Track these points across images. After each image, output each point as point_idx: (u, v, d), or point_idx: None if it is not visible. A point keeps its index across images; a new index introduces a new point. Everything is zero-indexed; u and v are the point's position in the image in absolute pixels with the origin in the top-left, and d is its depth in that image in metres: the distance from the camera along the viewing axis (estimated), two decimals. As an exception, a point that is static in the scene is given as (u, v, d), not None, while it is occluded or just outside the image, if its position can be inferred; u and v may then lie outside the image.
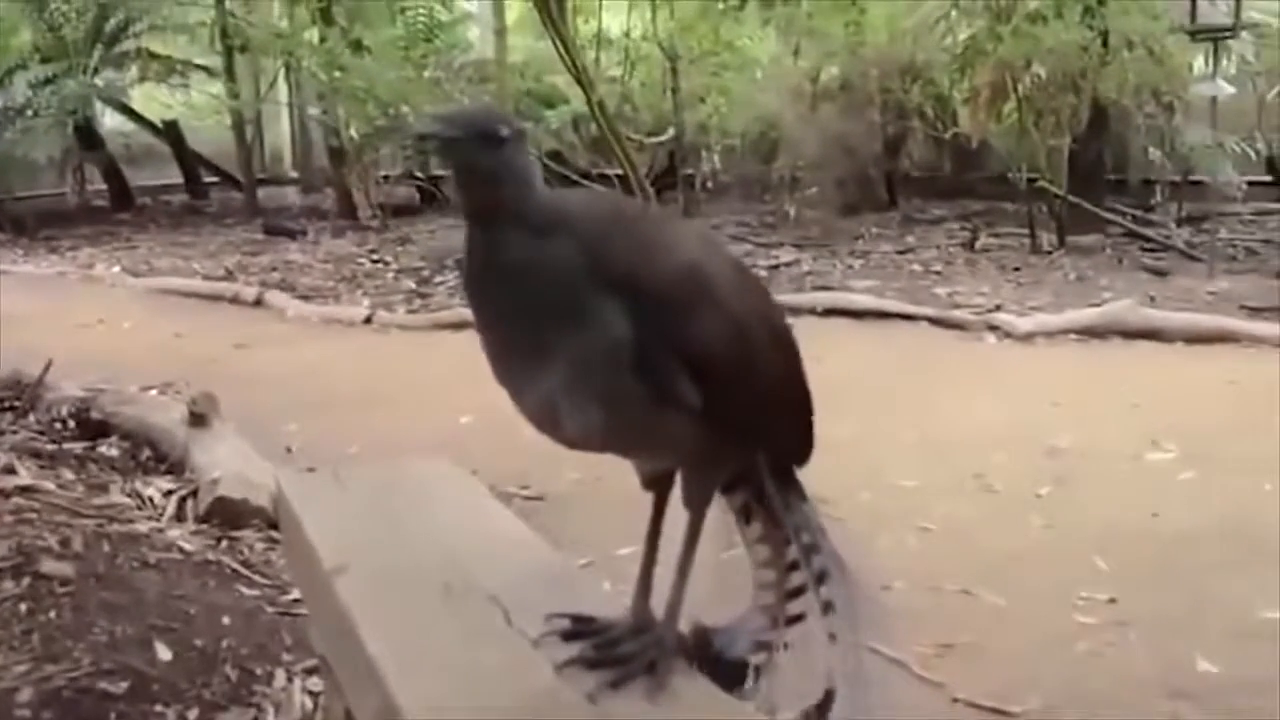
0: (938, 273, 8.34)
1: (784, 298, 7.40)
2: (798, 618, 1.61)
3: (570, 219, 1.42)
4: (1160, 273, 7.98)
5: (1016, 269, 8.36)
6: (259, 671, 2.70)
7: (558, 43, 8.21)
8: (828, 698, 1.56)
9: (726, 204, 11.12)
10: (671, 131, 10.71)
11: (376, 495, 2.16)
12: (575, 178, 9.32)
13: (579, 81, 8.24)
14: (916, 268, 8.53)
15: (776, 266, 8.70)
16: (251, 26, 12.46)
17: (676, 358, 1.44)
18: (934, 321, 6.81)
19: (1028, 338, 6.38)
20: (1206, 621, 3.13)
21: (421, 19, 11.38)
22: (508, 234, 1.40)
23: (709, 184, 11.21)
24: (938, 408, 5.18)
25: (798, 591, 1.61)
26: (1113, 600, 3.22)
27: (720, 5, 10.90)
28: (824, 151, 10.35)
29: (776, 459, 1.66)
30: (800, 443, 1.66)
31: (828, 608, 1.59)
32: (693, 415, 1.46)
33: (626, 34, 10.87)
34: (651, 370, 1.43)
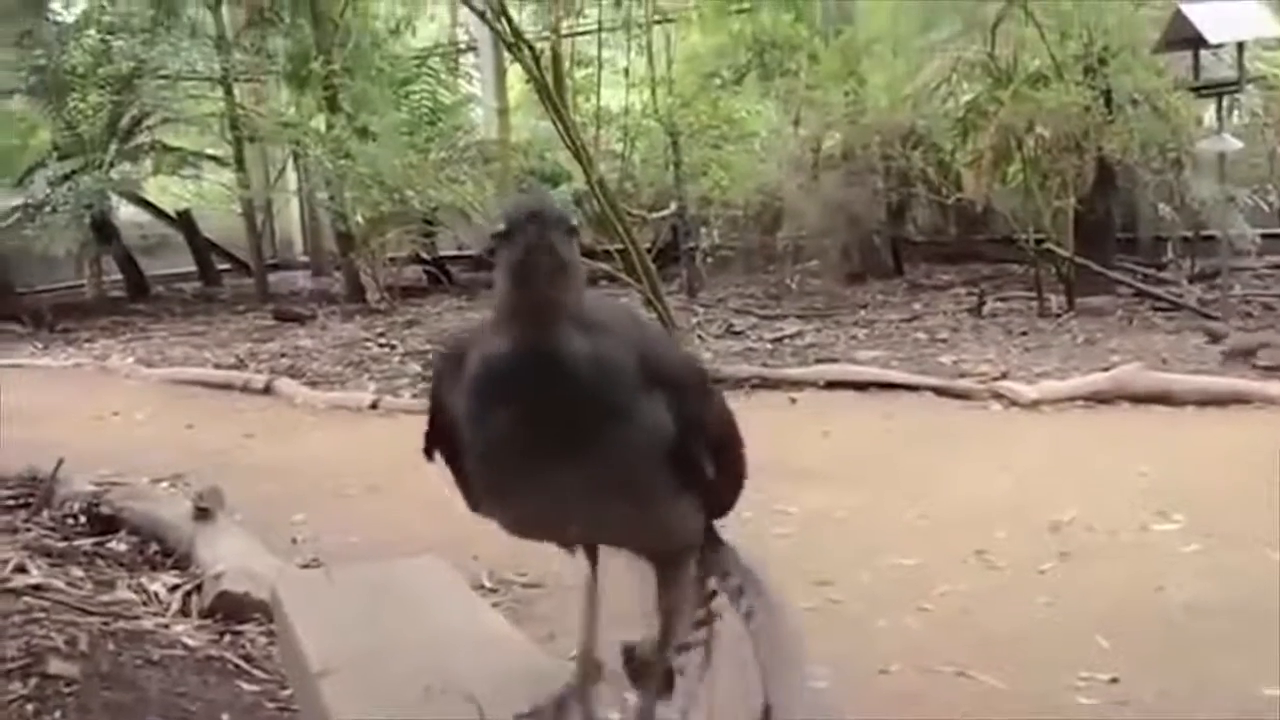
0: (944, 340, 8.35)
1: (788, 371, 7.44)
2: (709, 619, 1.69)
3: (601, 316, 1.46)
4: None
5: (1024, 333, 8.36)
6: (253, 769, 2.70)
7: (557, 122, 8.32)
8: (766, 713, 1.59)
9: (730, 276, 11.19)
10: (674, 205, 10.80)
11: (366, 595, 2.21)
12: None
13: (579, 159, 8.33)
14: (922, 335, 8.54)
15: (780, 339, 8.72)
16: (260, 116, 12.67)
17: (704, 442, 1.52)
18: (938, 391, 6.78)
19: (1033, 406, 6.33)
20: (1209, 700, 3.08)
21: (425, 103, 11.57)
22: (567, 331, 1.41)
23: (711, 257, 11.29)
24: (940, 482, 5.16)
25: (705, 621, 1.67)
26: (1114, 680, 3.18)
27: (717, 81, 11.06)
28: (827, 220, 10.44)
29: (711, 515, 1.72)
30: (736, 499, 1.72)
31: (748, 617, 1.64)
32: (696, 496, 1.54)
33: (626, 110, 10.98)
34: (685, 457, 1.48)
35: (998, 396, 6.54)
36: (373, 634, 2.06)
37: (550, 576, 4.08)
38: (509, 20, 8.31)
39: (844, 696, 3.12)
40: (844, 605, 3.77)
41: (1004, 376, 6.91)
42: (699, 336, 8.83)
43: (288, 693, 3.18)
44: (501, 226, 1.45)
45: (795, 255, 10.62)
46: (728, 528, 1.68)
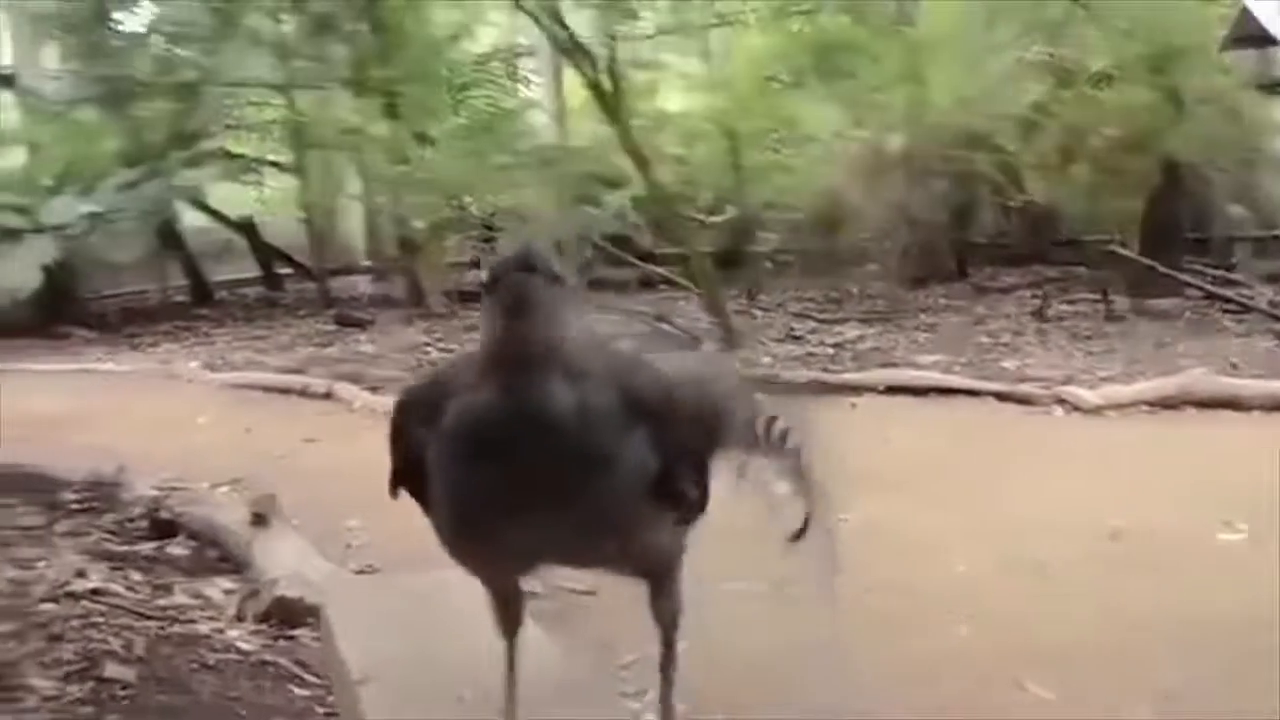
0: (1006, 344, 8.24)
1: (847, 376, 7.36)
2: None
3: (584, 356, 1.45)
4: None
5: (1089, 337, 8.24)
6: (302, 776, 2.70)
7: (615, 127, 8.32)
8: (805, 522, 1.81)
9: (791, 280, 11.12)
10: (733, 209, 10.75)
11: (412, 604, 2.23)
12: (636, 261, 9.39)
13: (637, 164, 8.33)
14: (985, 339, 8.44)
15: (841, 344, 8.64)
16: (321, 123, 12.79)
17: (690, 467, 1.57)
18: (1000, 397, 6.68)
19: (1096, 411, 6.23)
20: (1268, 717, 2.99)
21: (485, 109, 11.62)
22: (551, 382, 1.40)
23: (772, 261, 11.23)
24: (998, 488, 5.07)
25: None
26: (1171, 695, 3.09)
27: (776, 84, 11.00)
28: (889, 223, 10.34)
29: None
30: None
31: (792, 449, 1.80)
32: (681, 514, 1.60)
33: (685, 114, 10.96)
34: (670, 488, 1.53)
35: (1060, 402, 6.44)
36: (413, 643, 2.07)
37: (603, 584, 4.07)
38: (565, 27, 8.32)
39: (893, 704, 3.07)
40: (897, 614, 3.71)
41: (1067, 381, 6.80)
42: (759, 341, 8.78)
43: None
44: (486, 276, 1.45)
45: (857, 258, 10.53)
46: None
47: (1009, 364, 7.52)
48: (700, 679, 3.27)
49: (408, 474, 1.63)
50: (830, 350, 8.36)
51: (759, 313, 10.01)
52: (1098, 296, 9.01)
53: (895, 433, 6.05)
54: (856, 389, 6.98)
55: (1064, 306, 9.24)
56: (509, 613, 1.77)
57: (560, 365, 1.42)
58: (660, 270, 7.97)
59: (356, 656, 2.08)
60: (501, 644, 1.77)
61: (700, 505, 1.64)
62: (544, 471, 1.43)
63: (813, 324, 9.44)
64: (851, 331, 9.04)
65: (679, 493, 1.56)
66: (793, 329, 9.30)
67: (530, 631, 2.15)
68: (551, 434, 1.42)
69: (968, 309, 9.68)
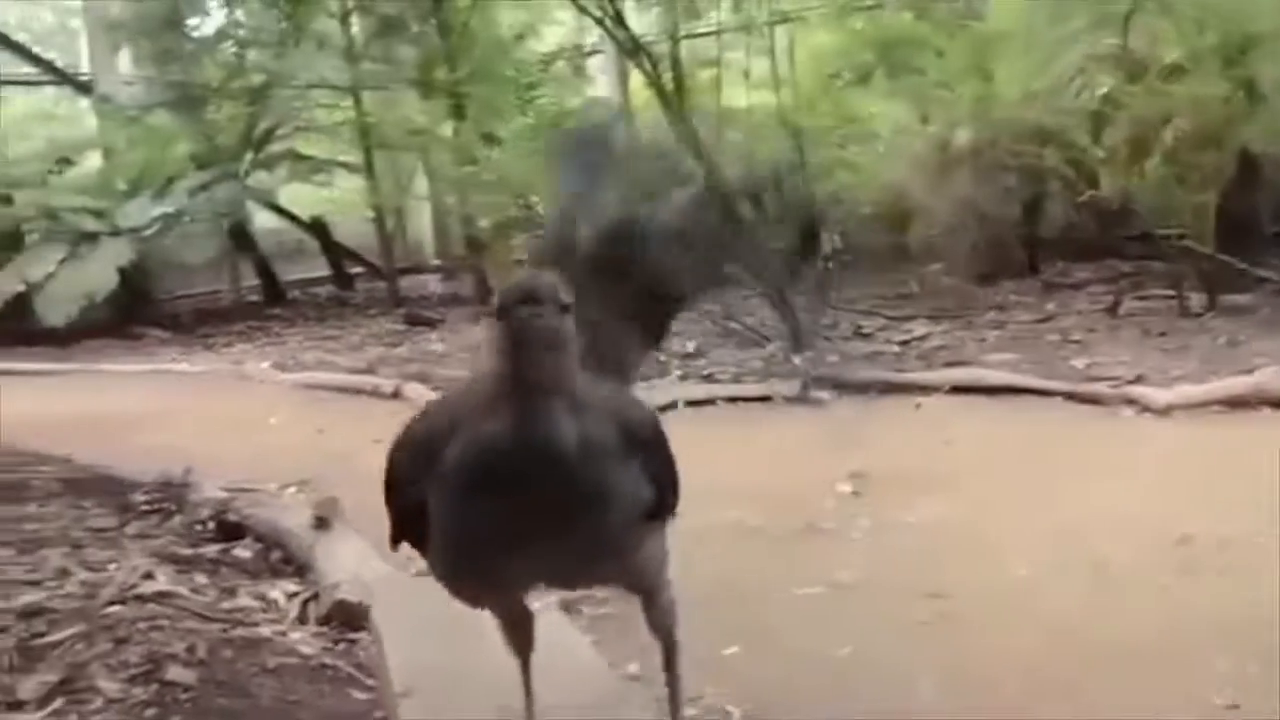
0: (1077, 341, 8.09)
1: (913, 376, 7.29)
2: None
3: (588, 392, 1.47)
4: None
5: (1162, 334, 8.06)
6: (357, 777, 2.73)
7: (678, 126, 8.30)
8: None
9: (858, 276, 11.00)
10: (799, 207, 10.66)
11: (459, 611, 2.25)
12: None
13: (700, 163, 8.30)
14: (1055, 337, 8.29)
15: (907, 341, 8.56)
16: (388, 124, 12.91)
17: (670, 484, 1.72)
18: (1068, 396, 6.57)
19: (1166, 411, 6.09)
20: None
21: (551, 107, 11.65)
22: (557, 415, 1.42)
23: (839, 258, 11.12)
24: (1064, 490, 4.99)
25: None
26: (1234, 706, 3.02)
27: (840, 81, 10.90)
28: (957, 219, 10.22)
29: None
30: None
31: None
32: (661, 525, 1.75)
33: (748, 112, 10.89)
34: (661, 507, 1.67)
35: (1130, 402, 6.31)
36: (458, 652, 2.09)
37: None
38: (625, 27, 8.31)
39: (954, 708, 3.04)
40: (957, 617, 3.67)
41: (1138, 380, 6.67)
42: (825, 338, 8.72)
43: (395, 701, 3.23)
44: (495, 304, 1.46)
45: (925, 255, 10.41)
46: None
47: (1079, 362, 7.37)
48: (762, 679, 3.27)
49: (406, 525, 1.66)
50: (897, 348, 8.27)
51: (827, 310, 9.92)
52: (1171, 293, 8.83)
53: (960, 433, 6.00)
54: (923, 389, 6.92)
55: (1136, 303, 9.04)
56: (519, 635, 1.84)
57: (566, 397, 1.45)
58: (727, 269, 7.89)
59: (400, 664, 2.14)
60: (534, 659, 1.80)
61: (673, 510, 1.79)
62: (552, 502, 1.46)
63: (881, 321, 9.34)
64: (919, 329, 8.93)
65: (668, 507, 1.71)
66: (860, 326, 9.22)
67: (578, 640, 2.20)
68: (560, 466, 1.44)
69: (1037, 305, 9.52)
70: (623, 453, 1.51)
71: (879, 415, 6.51)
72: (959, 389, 6.91)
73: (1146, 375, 6.81)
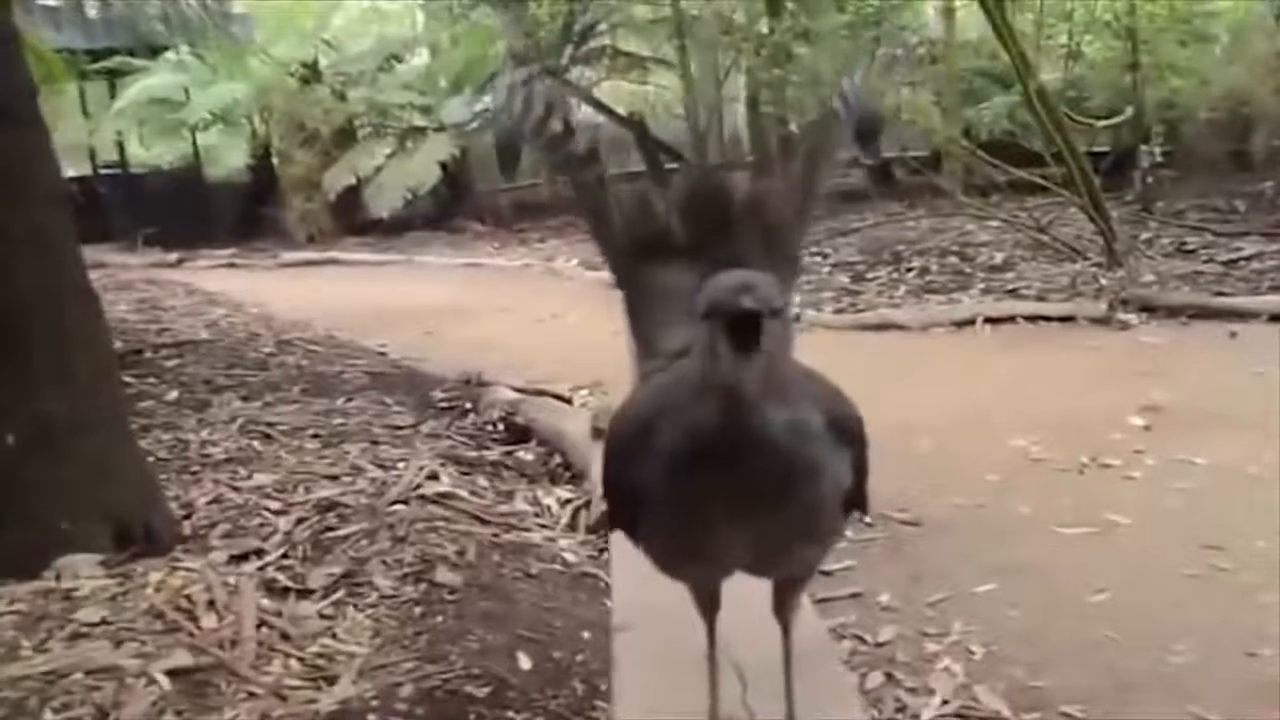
0: None
1: (1232, 300, 6.65)
2: None
3: (799, 386, 1.53)
4: None
5: None
6: (602, 687, 2.75)
7: (997, 26, 7.82)
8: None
9: (1192, 187, 10.16)
10: (1130, 111, 9.92)
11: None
12: (1011, 170, 8.84)
13: (1015, 66, 7.81)
14: None
15: (1234, 261, 7.84)
16: (705, 22, 12.78)
17: (863, 481, 1.78)
18: None
19: None
20: None
21: (870, 3, 11.23)
22: (777, 404, 1.45)
23: (1171, 167, 10.29)
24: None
25: None
26: None
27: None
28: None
29: None
30: None
31: None
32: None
33: (1070, 14, 10.14)
34: (856, 496, 1.73)
35: None
36: (673, 596, 2.06)
37: (927, 518, 3.92)
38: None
39: (1205, 674, 2.77)
40: (1230, 574, 3.31)
41: None
42: (1145, 255, 8.11)
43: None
44: (705, 302, 1.41)
45: (1266, 166, 9.48)
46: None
47: None
48: (1011, 621, 3.10)
49: (627, 512, 1.75)
50: (1221, 268, 7.59)
51: (1152, 223, 9.23)
52: None
53: (1274, 368, 5.37)
54: (1241, 315, 6.31)
55: None
56: (711, 603, 1.97)
57: (776, 392, 1.44)
58: (1037, 177, 7.46)
59: (621, 602, 2.32)
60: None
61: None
62: (764, 487, 1.55)
63: (1209, 236, 8.61)
64: (1250, 247, 8.16)
65: (862, 499, 1.77)
66: (1184, 242, 8.52)
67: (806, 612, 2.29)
68: (773, 447, 1.53)
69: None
70: (827, 441, 1.51)
71: (1187, 342, 5.99)
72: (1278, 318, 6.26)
73: None
